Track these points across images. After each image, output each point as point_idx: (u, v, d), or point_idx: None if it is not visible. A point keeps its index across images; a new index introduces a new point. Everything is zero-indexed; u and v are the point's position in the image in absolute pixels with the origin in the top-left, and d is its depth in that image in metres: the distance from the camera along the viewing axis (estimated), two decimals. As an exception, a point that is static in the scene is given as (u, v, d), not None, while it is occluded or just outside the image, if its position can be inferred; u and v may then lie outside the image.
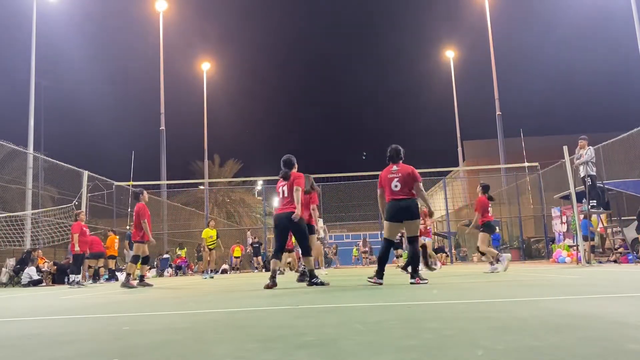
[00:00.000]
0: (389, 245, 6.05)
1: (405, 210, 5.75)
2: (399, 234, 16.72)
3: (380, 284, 5.62)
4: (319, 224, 10.75)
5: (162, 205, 22.90)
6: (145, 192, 9.48)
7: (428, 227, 14.51)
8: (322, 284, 6.09)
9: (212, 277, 12.94)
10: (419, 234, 6.00)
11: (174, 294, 6.31)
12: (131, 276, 8.88)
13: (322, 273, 10.19)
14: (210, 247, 14.06)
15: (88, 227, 11.82)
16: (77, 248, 10.50)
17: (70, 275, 11.01)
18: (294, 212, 6.00)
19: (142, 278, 9.19)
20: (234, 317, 3.16)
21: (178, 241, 21.83)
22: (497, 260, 8.40)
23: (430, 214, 6.44)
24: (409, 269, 6.05)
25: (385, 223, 5.90)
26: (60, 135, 42.40)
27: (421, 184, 5.93)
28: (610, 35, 37.03)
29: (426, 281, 5.64)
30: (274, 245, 6.51)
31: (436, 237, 19.40)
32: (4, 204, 13.98)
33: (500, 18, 32.71)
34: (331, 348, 1.84)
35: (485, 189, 8.90)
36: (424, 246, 10.24)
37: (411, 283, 5.59)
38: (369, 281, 5.75)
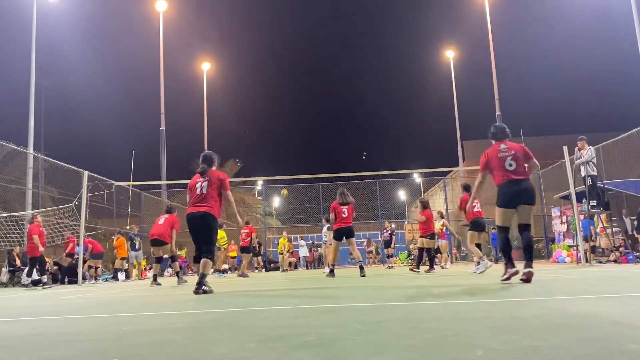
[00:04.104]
0: (507, 232, 5.37)
1: (524, 192, 5.11)
2: (387, 233, 16.66)
3: (516, 272, 5.06)
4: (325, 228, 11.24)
5: (162, 205, 22.86)
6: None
7: (444, 229, 14.51)
8: (209, 291, 5.44)
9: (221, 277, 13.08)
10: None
11: (173, 293, 6.31)
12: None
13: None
14: (224, 246, 14.41)
15: (85, 228, 11.91)
16: (41, 249, 10.53)
17: (26, 277, 10.93)
18: (208, 212, 5.62)
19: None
20: (234, 317, 3.16)
21: (178, 241, 21.78)
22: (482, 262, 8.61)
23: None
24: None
25: (497, 209, 5.24)
26: (60, 135, 42.39)
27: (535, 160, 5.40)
28: (610, 35, 37.02)
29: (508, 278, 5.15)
30: (195, 247, 5.86)
31: (436, 237, 19.37)
32: (4, 204, 13.97)
33: (500, 18, 32.73)
34: (331, 348, 1.84)
35: (467, 188, 9.23)
36: (436, 249, 10.33)
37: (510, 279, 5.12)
38: (505, 277, 5.14)
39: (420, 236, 10.79)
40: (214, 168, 5.98)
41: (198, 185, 5.78)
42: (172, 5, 27.93)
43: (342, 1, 79.85)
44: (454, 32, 54.78)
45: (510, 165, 5.16)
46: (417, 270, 10.19)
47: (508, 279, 5.10)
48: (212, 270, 17.66)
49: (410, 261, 21.46)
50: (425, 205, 10.84)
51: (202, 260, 5.61)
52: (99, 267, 14.28)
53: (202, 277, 5.52)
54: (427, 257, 10.63)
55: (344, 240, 9.29)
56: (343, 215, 9.21)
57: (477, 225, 8.88)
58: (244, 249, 13.81)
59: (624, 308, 2.77)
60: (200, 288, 5.38)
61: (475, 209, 8.83)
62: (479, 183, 5.55)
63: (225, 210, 5.81)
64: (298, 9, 78.46)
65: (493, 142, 5.52)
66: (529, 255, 5.13)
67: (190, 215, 5.72)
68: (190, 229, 5.76)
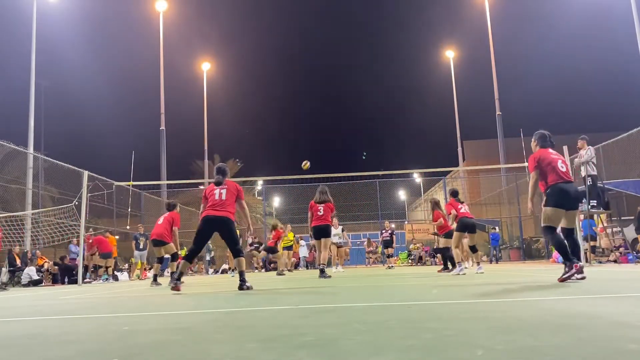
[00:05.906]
0: (554, 230, 5.22)
1: (576, 197, 5.21)
2: (387, 233, 16.50)
3: (581, 269, 4.91)
4: (336, 230, 11.27)
5: (162, 205, 22.88)
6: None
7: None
8: (250, 288, 5.73)
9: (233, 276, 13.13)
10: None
11: (173, 293, 6.30)
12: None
13: (339, 271, 11.04)
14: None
15: (89, 228, 11.89)
16: None
17: None
18: (228, 217, 5.90)
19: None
20: (234, 317, 3.16)
21: (179, 240, 21.78)
22: (478, 265, 8.65)
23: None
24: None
25: (549, 209, 5.12)
26: (60, 135, 42.47)
27: None
28: (610, 35, 37.04)
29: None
30: (192, 246, 5.98)
31: (436, 237, 19.36)
32: (4, 204, 13.97)
33: (500, 18, 32.73)
34: (331, 348, 1.84)
35: (454, 193, 9.14)
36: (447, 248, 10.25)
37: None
38: (575, 278, 4.90)
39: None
40: (227, 178, 6.30)
41: (217, 191, 6.04)
42: (172, 5, 27.95)
43: (342, 1, 79.90)
44: (454, 32, 54.88)
45: (562, 167, 5.22)
46: (447, 269, 10.13)
47: (568, 278, 4.90)
48: (212, 270, 17.72)
49: (410, 261, 21.47)
50: (433, 207, 10.83)
51: (237, 259, 6.01)
52: (109, 267, 14.29)
53: (242, 274, 5.88)
54: (441, 256, 10.58)
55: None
56: (319, 213, 9.17)
57: (463, 225, 8.59)
58: (269, 249, 14.26)
59: (624, 308, 2.77)
60: (244, 284, 5.73)
61: (462, 210, 8.64)
62: (535, 183, 5.36)
63: (239, 216, 6.12)
64: (298, 10, 78.54)
65: (536, 145, 5.63)
66: (578, 256, 5.25)
67: (210, 217, 5.90)
68: (204, 230, 5.94)
